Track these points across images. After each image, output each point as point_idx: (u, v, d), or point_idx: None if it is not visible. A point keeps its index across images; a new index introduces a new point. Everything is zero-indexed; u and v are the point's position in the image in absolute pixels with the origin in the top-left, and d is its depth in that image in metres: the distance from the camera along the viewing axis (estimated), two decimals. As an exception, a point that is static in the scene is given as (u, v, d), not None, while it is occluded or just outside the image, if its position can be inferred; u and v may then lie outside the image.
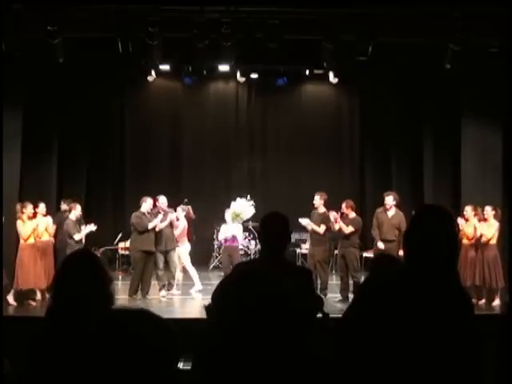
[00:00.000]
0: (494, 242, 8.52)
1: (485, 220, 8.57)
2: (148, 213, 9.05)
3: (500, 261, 8.50)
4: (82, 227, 8.89)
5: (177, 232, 9.25)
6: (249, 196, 10.20)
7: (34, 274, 8.39)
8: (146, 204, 9.04)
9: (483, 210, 8.66)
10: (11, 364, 2.78)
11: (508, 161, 9.34)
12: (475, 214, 8.64)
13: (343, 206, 8.85)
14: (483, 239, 8.51)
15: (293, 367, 1.49)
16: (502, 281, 8.46)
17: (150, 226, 8.87)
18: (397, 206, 8.96)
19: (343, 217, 8.81)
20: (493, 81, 9.28)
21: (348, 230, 8.61)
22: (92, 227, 8.89)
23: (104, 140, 12.31)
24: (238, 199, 9.73)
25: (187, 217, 9.47)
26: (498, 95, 9.32)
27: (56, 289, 2.63)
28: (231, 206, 9.63)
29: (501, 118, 9.53)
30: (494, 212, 8.54)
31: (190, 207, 9.77)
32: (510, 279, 8.44)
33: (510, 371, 2.47)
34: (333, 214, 8.76)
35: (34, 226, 8.53)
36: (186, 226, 9.52)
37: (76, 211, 8.93)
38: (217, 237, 11.89)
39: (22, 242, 8.46)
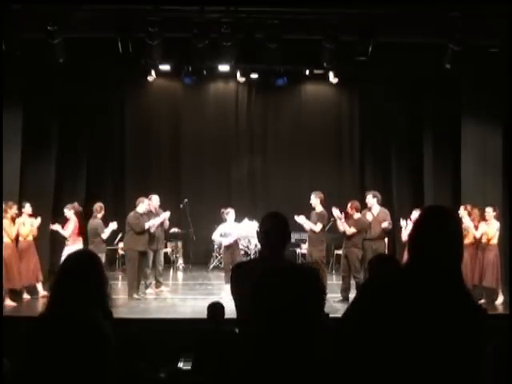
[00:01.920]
0: (494, 242, 8.53)
1: (485, 220, 8.58)
2: (144, 213, 9.14)
3: (499, 261, 8.51)
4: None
5: (68, 231, 9.05)
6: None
7: (17, 273, 8.48)
8: (143, 205, 9.12)
9: (483, 211, 8.67)
10: (11, 364, 2.78)
11: (508, 161, 9.34)
12: (469, 214, 8.65)
13: (348, 206, 8.85)
14: (484, 240, 8.52)
15: (299, 367, 1.50)
16: (499, 281, 8.49)
17: (147, 226, 8.98)
18: (382, 204, 9.05)
19: (348, 217, 8.83)
20: (493, 81, 9.28)
21: (350, 231, 8.62)
22: (114, 225, 9.06)
23: (104, 140, 12.31)
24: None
25: (76, 213, 9.37)
26: (497, 95, 9.32)
27: (55, 287, 2.64)
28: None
29: (501, 117, 9.53)
30: (494, 213, 8.55)
31: (76, 203, 9.60)
32: (511, 279, 8.47)
33: (510, 371, 2.47)
34: (337, 213, 8.75)
35: (18, 226, 8.59)
36: (77, 224, 9.28)
37: (101, 212, 9.14)
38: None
39: (7, 241, 8.45)
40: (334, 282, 9.77)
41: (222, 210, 9.83)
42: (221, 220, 9.76)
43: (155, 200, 9.42)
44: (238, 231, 9.42)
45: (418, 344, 1.98)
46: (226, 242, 9.32)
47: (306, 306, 1.52)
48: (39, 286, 8.99)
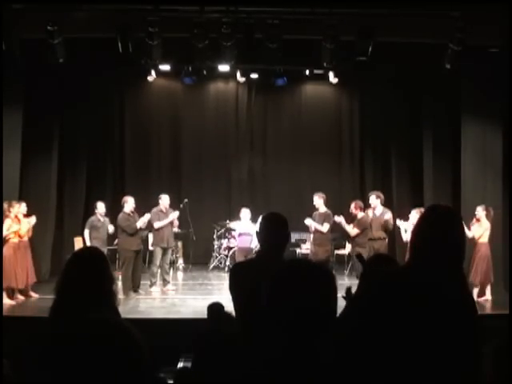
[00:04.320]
0: (484, 240, 8.65)
1: (477, 220, 8.68)
2: (132, 212, 9.24)
3: (491, 258, 8.64)
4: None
5: None
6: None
7: (16, 272, 8.48)
8: (129, 204, 9.24)
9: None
10: (11, 365, 2.78)
11: (508, 161, 9.35)
12: None
13: (352, 206, 8.89)
14: (475, 240, 8.62)
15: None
16: (490, 278, 8.62)
17: (139, 226, 9.12)
18: (383, 204, 9.06)
19: (352, 217, 8.88)
20: (492, 81, 9.28)
21: (353, 232, 8.68)
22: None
23: (104, 140, 12.32)
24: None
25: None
26: (497, 95, 9.32)
27: (61, 286, 2.63)
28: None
29: (501, 117, 9.53)
30: (485, 212, 8.64)
31: None
32: (511, 278, 8.49)
33: (511, 371, 2.46)
34: (340, 219, 8.83)
35: (19, 225, 8.61)
36: None
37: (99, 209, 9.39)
38: (217, 237, 11.92)
39: (14, 240, 8.49)
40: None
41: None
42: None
43: (165, 200, 9.53)
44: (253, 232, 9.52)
45: (418, 342, 1.98)
46: (242, 244, 9.38)
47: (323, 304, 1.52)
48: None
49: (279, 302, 1.52)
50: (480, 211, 8.67)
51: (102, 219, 9.45)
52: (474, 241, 8.59)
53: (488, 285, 8.67)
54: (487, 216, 8.67)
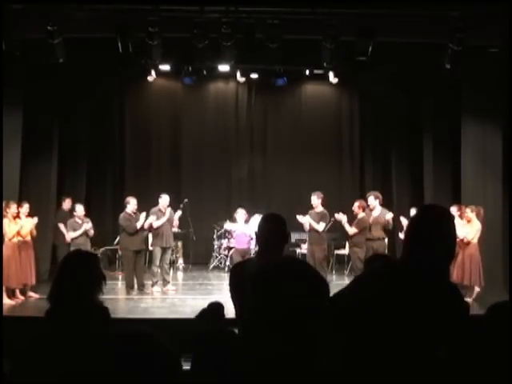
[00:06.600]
0: (474, 241, 8.67)
1: (468, 222, 8.69)
2: (133, 212, 9.31)
3: (480, 260, 8.65)
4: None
5: None
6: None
7: (15, 272, 8.49)
8: (130, 205, 9.32)
9: (478, 210, 8.78)
10: (11, 364, 2.79)
11: (508, 161, 9.35)
12: (460, 215, 8.73)
13: (356, 205, 8.91)
14: (465, 240, 8.63)
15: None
16: (479, 280, 8.59)
17: (139, 225, 9.20)
18: (382, 204, 9.08)
19: (353, 216, 8.90)
20: (493, 81, 9.28)
21: (351, 231, 8.69)
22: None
23: (104, 140, 12.32)
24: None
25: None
26: (497, 95, 9.32)
27: (55, 289, 2.65)
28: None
29: (501, 118, 9.53)
30: (474, 213, 8.69)
31: None
32: (511, 278, 8.48)
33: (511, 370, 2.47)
34: (341, 217, 8.85)
35: (19, 225, 8.61)
36: None
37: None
38: (217, 237, 11.92)
39: (6, 240, 8.49)
40: (334, 282, 9.76)
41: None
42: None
43: (165, 200, 9.57)
44: (251, 233, 9.51)
45: (397, 336, 2.00)
46: (239, 245, 9.42)
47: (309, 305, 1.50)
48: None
49: (263, 300, 1.51)
50: (469, 212, 8.68)
51: (79, 221, 9.44)
52: (464, 241, 8.59)
53: (476, 286, 8.62)
54: (477, 216, 8.69)
